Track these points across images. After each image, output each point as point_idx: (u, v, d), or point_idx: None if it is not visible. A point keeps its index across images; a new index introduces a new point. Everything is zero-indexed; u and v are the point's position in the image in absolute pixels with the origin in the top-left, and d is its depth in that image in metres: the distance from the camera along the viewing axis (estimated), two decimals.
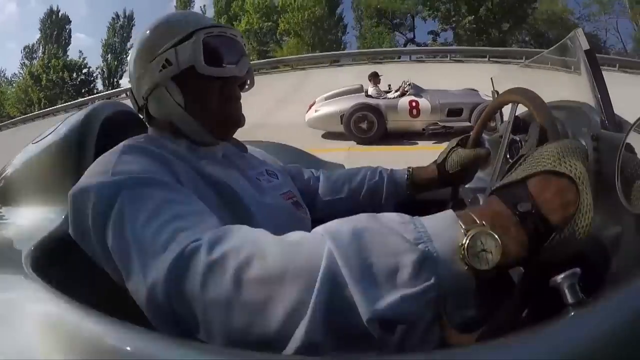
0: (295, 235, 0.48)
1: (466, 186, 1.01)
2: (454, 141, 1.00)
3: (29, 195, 0.96)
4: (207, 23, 0.77)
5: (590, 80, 0.75)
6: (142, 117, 0.82)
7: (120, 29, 28.72)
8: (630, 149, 0.59)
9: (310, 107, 7.79)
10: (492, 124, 1.08)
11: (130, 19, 28.70)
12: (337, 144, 7.34)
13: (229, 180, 0.71)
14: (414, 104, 7.30)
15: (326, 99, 7.79)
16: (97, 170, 0.61)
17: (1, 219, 0.96)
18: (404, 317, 0.43)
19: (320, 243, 0.44)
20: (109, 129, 0.95)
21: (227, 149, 0.84)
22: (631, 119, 0.61)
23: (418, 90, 7.51)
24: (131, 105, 0.86)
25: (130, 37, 27.95)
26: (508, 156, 0.90)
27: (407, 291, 0.41)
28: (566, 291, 0.47)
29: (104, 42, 28.51)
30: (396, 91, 7.67)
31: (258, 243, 0.47)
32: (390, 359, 0.58)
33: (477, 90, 7.62)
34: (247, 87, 0.83)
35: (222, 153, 0.82)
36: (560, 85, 0.94)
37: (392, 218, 0.46)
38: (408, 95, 7.44)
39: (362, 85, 7.86)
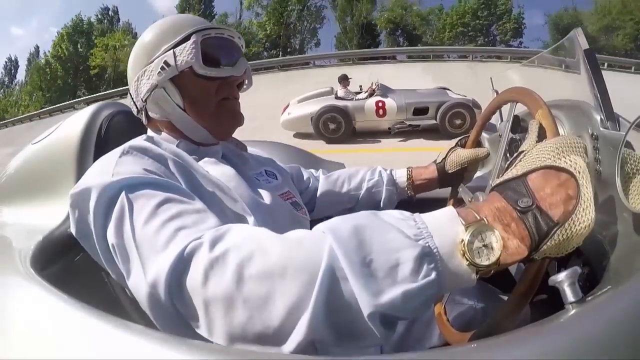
0: (297, 233, 0.48)
1: (465, 185, 1.01)
2: (454, 142, 1.00)
3: (29, 195, 0.96)
4: (205, 24, 0.77)
5: (589, 79, 0.75)
6: (141, 119, 0.82)
7: (10, 70, 36.30)
8: (629, 147, 0.59)
9: (284, 110, 8.12)
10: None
11: (16, 62, 36.21)
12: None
13: (227, 181, 0.71)
14: (380, 104, 7.65)
15: (299, 101, 8.15)
16: (98, 171, 0.61)
17: (1, 219, 0.96)
18: (405, 313, 0.43)
19: (322, 239, 0.44)
20: (109, 130, 0.95)
21: (227, 149, 0.84)
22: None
23: (386, 91, 7.82)
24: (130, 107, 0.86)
25: (16, 76, 35.89)
26: (508, 155, 0.90)
27: (408, 287, 0.41)
28: (566, 290, 0.47)
29: None
30: (365, 92, 7.97)
31: (259, 240, 0.47)
32: (390, 359, 0.58)
33: (447, 89, 7.99)
34: (245, 87, 0.84)
35: (222, 153, 0.82)
36: (559, 85, 0.94)
37: (392, 215, 0.46)
38: (375, 95, 7.76)
39: (332, 88, 8.18)
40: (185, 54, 0.73)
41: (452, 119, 7.42)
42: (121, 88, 16.23)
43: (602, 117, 0.72)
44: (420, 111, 7.59)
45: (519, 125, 0.86)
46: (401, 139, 7.62)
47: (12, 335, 0.57)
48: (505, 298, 0.88)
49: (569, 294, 0.46)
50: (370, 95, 7.82)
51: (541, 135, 0.58)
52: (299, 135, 8.02)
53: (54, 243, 0.78)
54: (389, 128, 7.67)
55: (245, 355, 0.44)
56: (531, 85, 0.75)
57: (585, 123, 0.75)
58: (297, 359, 0.44)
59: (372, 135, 7.77)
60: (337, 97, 7.93)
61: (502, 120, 1.07)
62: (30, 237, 0.78)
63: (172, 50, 0.74)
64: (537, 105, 0.63)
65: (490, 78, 1.24)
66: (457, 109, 7.39)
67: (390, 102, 7.63)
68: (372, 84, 7.97)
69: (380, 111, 7.64)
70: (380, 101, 7.66)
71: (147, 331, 0.48)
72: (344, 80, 8.07)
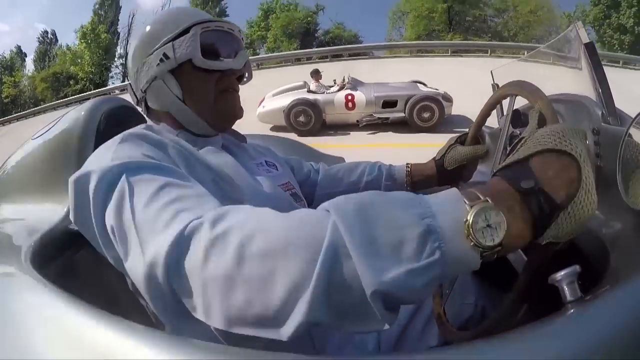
0: (300, 211, 0.48)
1: (465, 183, 1.01)
2: (453, 138, 1.00)
3: (28, 191, 0.96)
4: (205, 17, 0.77)
5: (590, 73, 0.75)
6: (140, 109, 0.82)
7: None
8: (630, 142, 0.59)
9: (260, 103, 8.22)
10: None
11: None
12: None
13: (227, 169, 0.71)
14: (349, 97, 7.77)
15: (274, 95, 8.26)
16: (98, 157, 0.61)
17: (1, 214, 0.96)
18: (408, 293, 0.42)
19: (325, 217, 0.43)
20: (109, 124, 0.95)
21: (227, 140, 0.84)
22: None
23: (356, 84, 7.97)
24: (130, 100, 0.87)
25: None
26: (508, 149, 0.90)
27: (412, 265, 0.40)
28: (565, 289, 0.47)
29: None
30: (337, 85, 8.11)
31: (261, 218, 0.47)
32: (390, 358, 0.58)
33: (420, 83, 8.11)
34: (245, 80, 0.83)
35: (222, 143, 0.82)
36: (560, 79, 0.93)
37: (396, 194, 0.46)
38: (345, 89, 7.89)
39: (305, 82, 8.33)
40: (185, 46, 0.73)
41: (420, 112, 7.47)
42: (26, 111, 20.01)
43: (603, 111, 0.71)
44: (389, 104, 7.67)
45: (519, 120, 0.85)
46: (370, 131, 7.78)
47: (12, 333, 0.57)
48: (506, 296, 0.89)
49: (568, 293, 0.46)
50: (341, 88, 7.95)
51: (541, 124, 0.58)
52: (276, 129, 8.06)
53: (53, 240, 0.78)
54: (358, 121, 7.80)
55: (247, 355, 0.44)
56: (530, 80, 0.74)
57: (586, 118, 0.75)
58: (299, 358, 0.44)
59: (342, 128, 7.90)
60: (309, 91, 8.04)
61: (502, 114, 1.07)
62: (30, 233, 0.78)
63: (171, 43, 0.74)
64: (536, 96, 0.62)
65: (491, 72, 1.23)
66: (425, 102, 7.45)
67: (359, 95, 7.74)
68: (343, 77, 8.09)
69: (350, 104, 7.75)
70: (349, 94, 7.75)
71: (146, 330, 0.48)
72: (316, 74, 8.22)
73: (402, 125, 7.61)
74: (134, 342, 0.47)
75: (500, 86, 0.87)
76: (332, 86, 8.16)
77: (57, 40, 32.80)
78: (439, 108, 7.43)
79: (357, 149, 6.76)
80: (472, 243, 0.41)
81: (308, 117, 7.75)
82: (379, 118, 7.68)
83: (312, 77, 8.24)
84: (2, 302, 0.63)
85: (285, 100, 7.86)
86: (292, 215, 0.47)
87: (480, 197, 0.44)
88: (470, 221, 0.41)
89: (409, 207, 0.43)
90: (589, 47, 0.75)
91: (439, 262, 0.41)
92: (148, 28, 0.78)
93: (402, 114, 7.58)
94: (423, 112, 7.47)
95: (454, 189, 0.46)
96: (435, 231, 0.41)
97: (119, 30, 29.43)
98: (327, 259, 0.40)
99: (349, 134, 7.80)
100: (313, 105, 7.73)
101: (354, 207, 0.43)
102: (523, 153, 0.49)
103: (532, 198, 0.45)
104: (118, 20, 29.58)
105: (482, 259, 0.42)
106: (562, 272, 0.47)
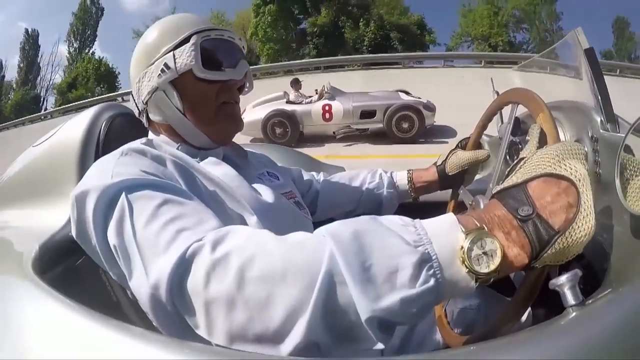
0: (298, 236, 0.49)
1: (466, 188, 1.01)
2: (455, 144, 1.00)
3: (30, 198, 0.96)
4: (205, 26, 0.76)
5: (590, 80, 0.75)
6: (142, 121, 0.82)
7: None
8: (629, 150, 0.59)
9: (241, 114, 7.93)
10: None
11: None
12: None
13: (228, 181, 0.71)
14: (327, 108, 7.50)
15: (253, 106, 7.93)
16: (97, 173, 0.61)
17: (3, 221, 0.96)
18: (403, 319, 0.43)
19: (322, 244, 0.44)
20: (110, 132, 0.95)
21: (227, 152, 0.84)
22: None
23: (335, 94, 7.65)
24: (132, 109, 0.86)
25: None
26: (508, 158, 0.90)
27: (407, 293, 0.41)
28: (567, 293, 0.47)
29: None
30: (314, 96, 7.87)
31: (261, 242, 0.48)
32: (390, 359, 0.58)
33: (403, 92, 7.76)
34: (245, 90, 0.83)
35: (223, 155, 0.81)
36: (559, 86, 0.94)
37: (393, 220, 0.46)
38: (324, 99, 7.63)
39: (285, 92, 8.03)
40: (185, 56, 0.72)
41: (399, 123, 7.19)
42: None
43: (602, 118, 0.71)
44: (368, 114, 7.39)
45: (519, 128, 0.85)
46: (346, 143, 7.54)
47: (14, 338, 0.57)
48: (507, 300, 0.88)
49: (570, 297, 0.46)
50: (320, 98, 7.69)
51: (542, 140, 0.58)
52: (256, 141, 7.67)
53: (55, 246, 0.78)
54: (334, 132, 7.53)
55: (246, 356, 0.45)
56: (532, 86, 0.74)
57: (585, 125, 0.75)
58: None
59: (319, 140, 7.66)
60: (288, 102, 7.79)
61: (502, 121, 1.07)
62: (32, 240, 0.78)
63: (171, 52, 0.73)
64: (538, 108, 0.62)
65: (491, 79, 1.24)
66: (405, 111, 7.16)
67: (337, 106, 7.46)
68: (323, 86, 7.82)
69: (327, 115, 7.48)
70: (327, 105, 7.48)
71: (147, 334, 0.48)
72: (295, 84, 8.03)
73: (381, 137, 7.36)
74: (135, 347, 0.47)
75: (500, 93, 0.87)
76: (312, 96, 7.91)
77: (2, 68, 36.34)
78: (419, 118, 7.16)
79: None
80: (467, 270, 0.42)
81: (285, 129, 7.51)
82: (356, 129, 7.45)
83: (291, 86, 8.03)
84: (3, 308, 0.63)
85: (264, 112, 7.59)
86: (290, 240, 0.48)
87: (477, 223, 0.45)
88: (466, 248, 0.42)
89: (404, 233, 0.44)
90: (589, 53, 0.75)
91: (433, 289, 0.42)
92: (149, 36, 0.77)
93: (381, 125, 7.31)
94: (402, 122, 7.20)
95: (451, 214, 0.47)
96: (430, 259, 0.42)
97: (39, 62, 35.68)
98: (324, 285, 0.42)
99: (324, 145, 7.55)
100: (290, 116, 7.50)
101: (350, 235, 0.44)
102: (521, 177, 0.49)
103: (529, 224, 0.45)
104: (38, 55, 35.78)
105: (477, 284, 0.43)
106: (564, 277, 0.47)
